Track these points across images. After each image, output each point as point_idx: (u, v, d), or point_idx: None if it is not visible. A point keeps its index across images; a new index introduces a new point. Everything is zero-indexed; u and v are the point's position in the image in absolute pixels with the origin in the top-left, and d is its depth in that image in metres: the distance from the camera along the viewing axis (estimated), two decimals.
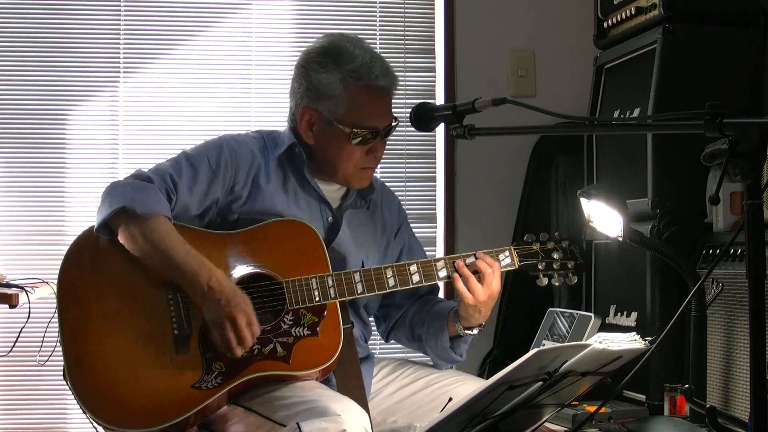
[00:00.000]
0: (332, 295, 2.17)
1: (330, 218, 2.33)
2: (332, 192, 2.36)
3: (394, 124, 2.31)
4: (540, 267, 2.33)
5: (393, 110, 2.33)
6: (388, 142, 3.37)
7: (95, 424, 2.08)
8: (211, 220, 2.24)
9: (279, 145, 2.32)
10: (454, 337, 2.34)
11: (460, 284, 2.23)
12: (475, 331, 2.31)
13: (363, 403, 2.12)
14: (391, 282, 2.23)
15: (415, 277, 2.25)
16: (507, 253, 2.31)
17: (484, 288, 2.22)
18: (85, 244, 2.17)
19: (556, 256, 2.34)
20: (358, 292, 2.20)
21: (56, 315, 2.13)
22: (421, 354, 2.51)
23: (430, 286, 2.42)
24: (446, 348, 2.34)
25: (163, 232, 2.10)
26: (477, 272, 2.24)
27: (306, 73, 2.28)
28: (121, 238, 2.12)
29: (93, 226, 2.16)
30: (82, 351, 2.09)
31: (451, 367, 2.46)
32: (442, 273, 2.26)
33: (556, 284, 2.35)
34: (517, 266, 2.31)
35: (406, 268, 2.25)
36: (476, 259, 2.25)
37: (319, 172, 2.33)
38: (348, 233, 2.33)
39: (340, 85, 2.23)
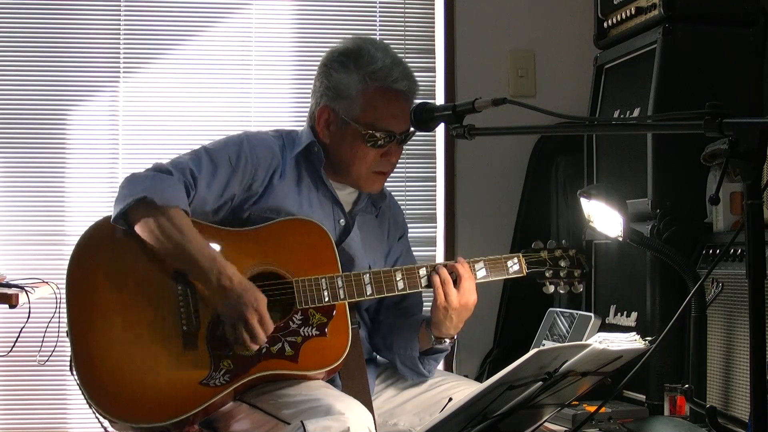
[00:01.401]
0: (341, 296, 2.17)
1: (342, 220, 2.33)
2: (345, 195, 2.36)
3: (412, 130, 2.29)
4: (547, 275, 2.34)
5: None
6: None
7: (100, 418, 2.07)
8: (224, 216, 2.25)
9: (297, 144, 2.32)
10: (425, 352, 2.32)
11: (437, 279, 2.21)
12: (447, 343, 2.29)
13: (367, 403, 2.12)
14: (401, 285, 2.23)
15: (424, 281, 2.24)
16: (516, 260, 2.32)
17: (459, 294, 2.20)
18: (95, 238, 2.17)
19: (563, 264, 2.35)
20: (368, 293, 2.20)
21: (64, 308, 2.12)
22: None
23: (416, 300, 2.42)
24: (414, 357, 2.31)
25: (179, 224, 2.10)
26: (457, 278, 2.22)
27: (327, 72, 2.29)
28: (137, 228, 2.11)
29: (102, 219, 2.16)
30: (91, 344, 2.08)
31: (451, 370, 2.44)
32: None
33: (562, 292, 2.36)
34: (525, 273, 2.32)
35: (415, 271, 2.24)
36: (456, 264, 2.24)
37: (334, 174, 2.33)
38: (359, 236, 2.34)
39: (358, 85, 2.24)
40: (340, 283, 2.17)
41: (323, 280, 2.17)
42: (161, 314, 2.10)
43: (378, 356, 2.45)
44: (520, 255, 2.33)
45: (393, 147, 2.28)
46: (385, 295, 2.22)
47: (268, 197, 2.25)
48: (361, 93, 2.24)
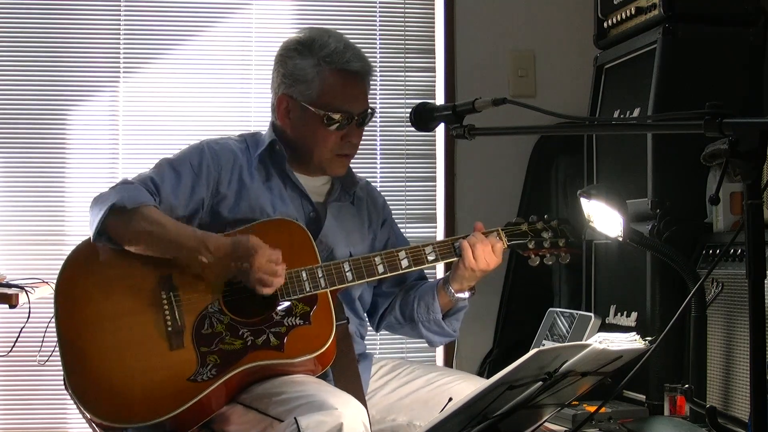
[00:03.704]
0: (323, 285, 2.20)
1: (311, 213, 2.36)
2: (317, 187, 2.39)
3: (369, 112, 2.34)
4: (530, 246, 2.34)
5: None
6: (388, 142, 3.42)
7: (95, 427, 2.10)
8: (201, 222, 2.28)
9: (260, 144, 2.36)
10: (447, 314, 2.36)
11: (466, 243, 2.26)
12: (466, 294, 2.33)
13: (360, 399, 2.12)
14: (381, 269, 2.26)
15: (404, 263, 2.28)
16: (495, 234, 2.33)
17: (486, 256, 2.26)
18: (82, 252, 2.22)
19: (545, 235, 2.35)
20: (348, 280, 2.23)
21: (54, 321, 2.16)
22: (419, 351, 2.50)
23: (419, 274, 2.46)
24: (439, 321, 2.36)
25: (154, 217, 2.16)
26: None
27: (282, 62, 2.34)
28: (118, 238, 2.17)
29: (89, 238, 2.21)
30: (80, 353, 2.13)
31: (450, 366, 2.45)
32: (431, 257, 2.29)
33: (549, 263, 2.36)
34: (505, 246, 2.33)
35: (395, 254, 2.28)
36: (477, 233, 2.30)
37: (300, 165, 2.36)
38: (335, 225, 2.36)
39: (314, 69, 2.28)
40: (320, 273, 2.20)
41: (303, 272, 2.19)
42: (147, 319, 2.14)
43: (376, 353, 2.45)
44: (500, 229, 2.34)
45: (353, 128, 2.31)
46: (366, 280, 2.25)
47: (241, 199, 2.29)
48: (317, 76, 2.28)
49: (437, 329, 2.39)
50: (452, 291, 2.32)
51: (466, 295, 2.34)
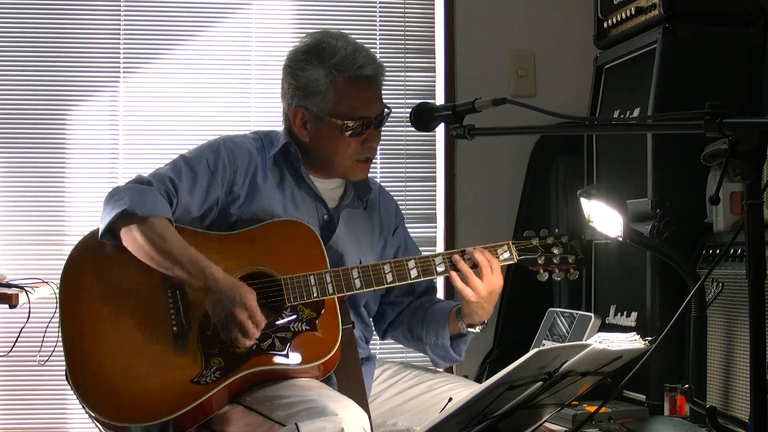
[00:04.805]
0: (330, 291, 2.18)
1: (326, 216, 2.34)
2: (330, 191, 2.37)
3: (386, 112, 2.31)
4: (539, 261, 2.31)
5: (390, 105, 2.33)
6: (388, 142, 3.42)
7: (97, 424, 2.09)
8: (212, 221, 2.27)
9: (275, 144, 2.34)
10: (455, 337, 2.34)
11: (458, 282, 2.21)
12: (478, 329, 2.31)
13: (363, 403, 2.12)
14: (389, 278, 2.23)
15: (413, 273, 2.25)
16: (505, 247, 2.30)
17: (484, 283, 2.21)
18: (87, 248, 2.21)
19: (555, 251, 2.32)
20: (357, 287, 2.21)
21: (58, 317, 2.15)
22: (421, 355, 2.50)
23: (428, 285, 2.44)
24: (446, 347, 2.34)
25: (162, 232, 2.13)
26: (475, 266, 2.22)
27: (293, 73, 2.30)
28: (124, 241, 2.15)
29: (94, 231, 2.19)
30: (84, 351, 2.11)
31: (451, 370, 2.45)
32: (440, 268, 2.25)
33: (558, 279, 2.34)
34: (515, 260, 2.30)
35: (404, 264, 2.25)
36: (474, 251, 2.24)
37: (316, 169, 2.34)
38: (345, 232, 2.34)
39: (326, 79, 2.25)
40: (328, 278, 2.18)
41: (311, 276, 2.18)
42: (152, 318, 2.13)
43: (377, 355, 2.45)
44: (510, 242, 2.31)
45: (371, 132, 2.29)
46: (374, 288, 2.23)
47: (252, 201, 2.27)
48: (330, 86, 2.25)
49: (444, 354, 2.37)
50: (464, 325, 2.29)
51: (478, 329, 2.31)
